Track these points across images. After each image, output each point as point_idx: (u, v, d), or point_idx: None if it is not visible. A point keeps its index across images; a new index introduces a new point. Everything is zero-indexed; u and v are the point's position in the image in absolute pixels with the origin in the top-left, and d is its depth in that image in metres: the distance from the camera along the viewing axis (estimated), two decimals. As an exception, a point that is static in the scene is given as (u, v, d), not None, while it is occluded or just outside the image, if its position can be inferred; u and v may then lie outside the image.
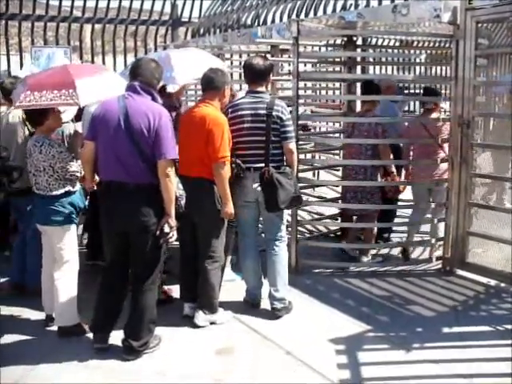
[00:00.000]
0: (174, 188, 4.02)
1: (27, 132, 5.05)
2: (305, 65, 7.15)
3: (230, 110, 4.79)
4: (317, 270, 5.95)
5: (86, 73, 4.54)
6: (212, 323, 4.66)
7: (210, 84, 4.58)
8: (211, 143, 4.40)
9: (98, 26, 11.09)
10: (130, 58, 10.97)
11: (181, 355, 4.18)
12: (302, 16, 9.73)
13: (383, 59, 9.20)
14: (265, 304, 4.99)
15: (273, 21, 10.51)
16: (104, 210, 4.12)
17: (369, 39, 8.74)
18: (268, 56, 6.77)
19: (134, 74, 4.08)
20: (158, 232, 3.95)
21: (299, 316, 4.87)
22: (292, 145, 4.80)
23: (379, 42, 10.16)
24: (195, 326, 4.59)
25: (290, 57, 6.72)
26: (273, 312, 4.86)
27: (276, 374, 3.90)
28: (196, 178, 4.53)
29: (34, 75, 4.92)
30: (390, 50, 10.54)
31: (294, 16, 9.93)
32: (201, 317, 4.62)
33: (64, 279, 4.40)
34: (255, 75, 4.84)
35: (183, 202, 4.71)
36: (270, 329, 4.58)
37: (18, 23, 10.08)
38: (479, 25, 5.38)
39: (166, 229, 3.95)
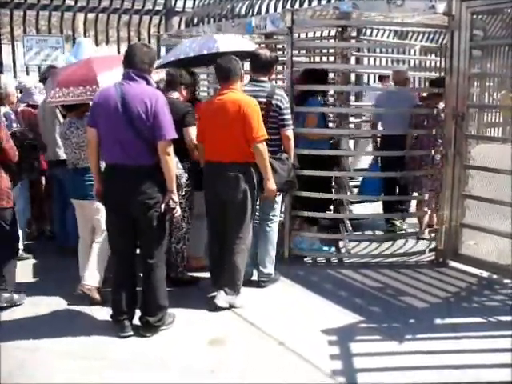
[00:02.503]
0: (174, 166, 4.19)
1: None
2: (298, 52, 7.16)
3: None
4: (310, 261, 5.96)
5: (107, 67, 4.95)
6: (231, 306, 4.76)
7: (229, 73, 4.71)
8: (249, 125, 4.57)
9: (91, 16, 11.01)
10: (124, 48, 10.89)
11: (173, 345, 4.17)
12: (297, 6, 9.69)
13: (377, 51, 9.16)
14: (257, 296, 5.02)
15: (267, 11, 10.46)
16: (108, 193, 4.26)
17: (363, 30, 8.67)
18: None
19: (126, 61, 4.20)
20: (163, 208, 4.12)
21: (292, 307, 4.88)
22: (289, 132, 5.06)
23: (374, 34, 10.13)
24: (189, 316, 4.60)
25: (283, 47, 6.70)
26: (259, 283, 5.25)
27: (268, 365, 3.90)
28: (234, 162, 4.66)
29: (62, 71, 5.61)
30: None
31: (288, 6, 9.89)
32: (222, 297, 4.75)
33: (101, 245, 4.83)
34: (260, 65, 5.08)
35: (183, 180, 4.86)
36: (262, 319, 4.57)
37: (9, 12, 9.98)
38: (474, 16, 5.37)
39: (172, 204, 4.12)
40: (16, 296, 4.84)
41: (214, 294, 4.82)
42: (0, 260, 4.75)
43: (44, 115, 6.02)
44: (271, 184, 4.76)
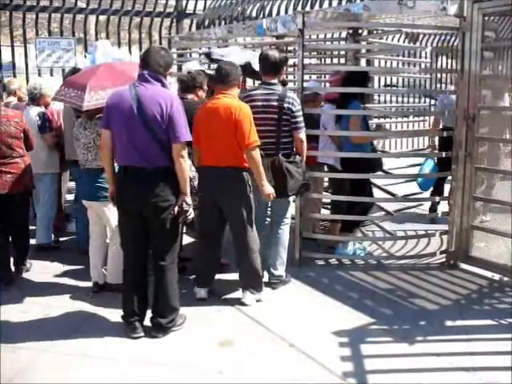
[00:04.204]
0: (188, 168, 4.20)
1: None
2: (310, 53, 7.18)
3: (243, 101, 4.99)
4: (320, 263, 5.96)
5: (107, 76, 4.99)
6: (258, 301, 4.92)
7: (227, 77, 4.74)
8: (241, 131, 4.60)
9: (102, 18, 11.05)
10: (135, 50, 10.95)
11: (184, 347, 4.18)
12: (308, 8, 9.69)
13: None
14: (268, 298, 5.04)
15: (278, 13, 10.47)
16: (121, 195, 4.27)
17: (374, 32, 8.67)
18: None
19: (143, 63, 4.21)
20: (176, 211, 4.12)
21: (303, 308, 4.88)
22: (302, 134, 5.07)
23: (384, 38, 10.12)
24: (200, 317, 4.62)
25: (295, 49, 6.70)
26: (270, 285, 5.24)
27: (279, 366, 3.90)
28: (228, 167, 4.70)
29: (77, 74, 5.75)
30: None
31: (299, 8, 9.89)
32: (249, 297, 4.91)
33: (117, 245, 4.65)
34: (269, 67, 5.08)
35: (196, 182, 4.92)
36: (273, 321, 4.59)
37: (22, 14, 10.04)
38: (486, 17, 5.35)
39: (185, 207, 4.13)
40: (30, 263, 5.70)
41: (202, 295, 4.95)
42: (20, 240, 5.56)
43: (65, 115, 6.17)
44: (267, 188, 4.78)
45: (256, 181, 4.76)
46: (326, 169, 6.41)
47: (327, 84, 8.08)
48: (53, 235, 6.47)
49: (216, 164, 4.70)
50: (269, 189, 4.79)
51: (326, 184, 7.20)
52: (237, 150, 4.65)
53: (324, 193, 7.01)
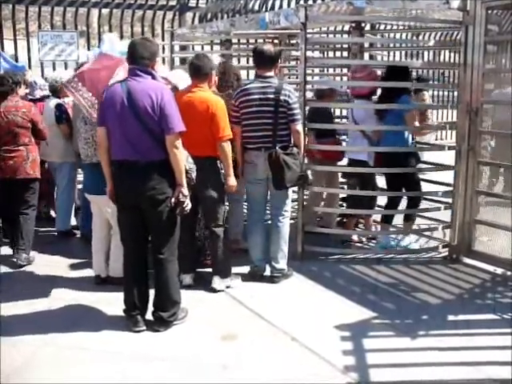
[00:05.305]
0: (183, 159, 4.21)
1: None
2: (312, 51, 7.16)
3: (240, 94, 5.09)
4: (323, 257, 5.95)
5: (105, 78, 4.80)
6: (228, 287, 5.04)
7: (200, 71, 4.84)
8: (216, 124, 4.76)
9: (105, 11, 11.03)
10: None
11: (186, 341, 4.19)
12: (310, 1, 9.65)
13: (391, 45, 9.13)
14: (270, 291, 5.04)
15: (280, 6, 10.45)
16: (117, 189, 4.28)
17: (377, 25, 8.64)
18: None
19: (130, 58, 4.22)
20: (173, 202, 4.13)
21: (304, 302, 4.89)
22: (299, 126, 5.11)
23: (388, 28, 10.10)
24: (202, 311, 4.62)
25: (297, 42, 6.70)
26: (272, 279, 5.27)
27: (281, 360, 3.91)
28: (205, 157, 4.80)
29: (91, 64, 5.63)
30: (398, 36, 10.50)
31: (301, 1, 9.86)
32: (217, 281, 5.02)
33: (119, 239, 4.66)
34: (264, 60, 5.09)
35: (194, 174, 4.84)
36: (275, 314, 4.59)
37: (25, 7, 10.03)
38: (489, 11, 5.33)
39: (182, 198, 4.13)
40: (32, 256, 5.75)
41: (188, 281, 5.07)
42: (24, 224, 5.69)
43: (74, 106, 6.20)
44: (232, 181, 4.94)
45: (224, 171, 4.92)
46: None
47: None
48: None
49: (193, 154, 4.71)
50: (233, 181, 4.93)
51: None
52: (211, 141, 4.81)
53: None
